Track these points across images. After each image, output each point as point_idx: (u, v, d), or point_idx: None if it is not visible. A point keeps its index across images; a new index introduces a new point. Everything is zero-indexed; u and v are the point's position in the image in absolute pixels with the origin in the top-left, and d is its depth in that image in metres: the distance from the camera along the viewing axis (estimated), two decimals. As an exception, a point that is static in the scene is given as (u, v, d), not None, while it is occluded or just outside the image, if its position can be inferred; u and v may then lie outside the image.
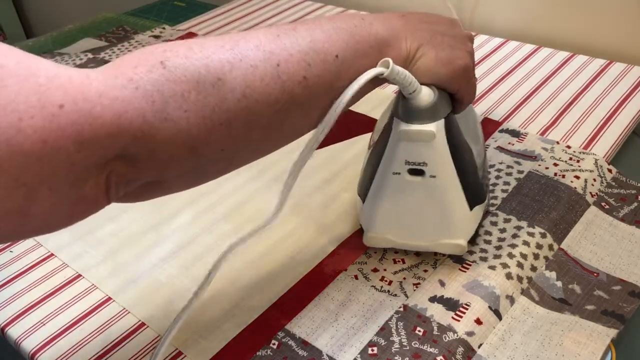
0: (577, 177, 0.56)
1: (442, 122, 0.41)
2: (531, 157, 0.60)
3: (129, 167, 0.31)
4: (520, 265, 0.48)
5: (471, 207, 0.46)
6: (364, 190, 0.47)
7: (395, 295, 0.47)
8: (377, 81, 0.39)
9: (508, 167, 0.59)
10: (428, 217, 0.45)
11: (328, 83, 0.37)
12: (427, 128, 0.41)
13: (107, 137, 0.29)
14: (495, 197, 0.55)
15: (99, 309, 0.49)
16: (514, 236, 0.50)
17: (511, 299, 0.46)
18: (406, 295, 0.47)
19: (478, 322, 0.44)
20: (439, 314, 0.45)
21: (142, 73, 0.30)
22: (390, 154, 0.43)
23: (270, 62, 0.34)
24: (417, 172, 0.43)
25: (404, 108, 0.41)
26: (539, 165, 0.58)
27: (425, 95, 0.41)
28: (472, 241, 0.50)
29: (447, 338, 0.43)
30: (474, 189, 0.46)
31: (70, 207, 0.30)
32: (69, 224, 0.31)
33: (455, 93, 0.43)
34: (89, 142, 0.28)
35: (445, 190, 0.44)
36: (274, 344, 0.44)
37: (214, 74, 0.32)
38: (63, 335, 0.46)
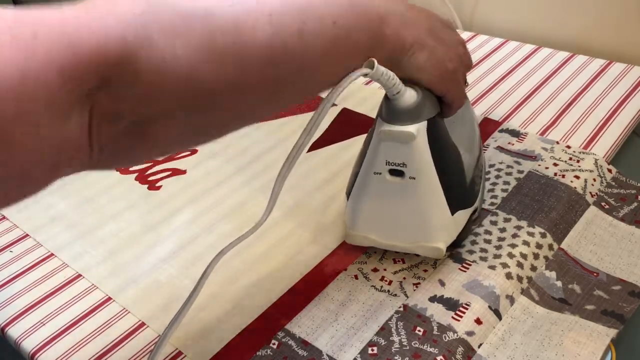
0: (577, 177, 0.56)
1: (424, 124, 0.41)
2: (531, 157, 0.60)
3: (111, 99, 0.30)
4: (520, 265, 0.48)
5: (453, 212, 0.45)
6: (349, 189, 0.48)
7: (395, 295, 0.47)
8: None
9: (508, 167, 0.59)
10: (407, 218, 0.45)
11: (323, 49, 0.35)
12: (406, 129, 0.41)
13: (88, 66, 0.27)
14: (495, 197, 0.55)
15: (99, 309, 0.49)
16: (514, 236, 0.50)
17: (511, 299, 0.46)
18: (406, 295, 0.47)
19: (478, 321, 0.44)
20: (439, 313, 0.45)
21: (125, 5, 0.29)
22: (373, 154, 0.44)
23: (262, 12, 0.33)
24: (397, 172, 0.43)
25: (387, 109, 0.42)
26: (539, 165, 0.58)
27: (409, 96, 0.41)
28: (457, 245, 0.49)
29: (447, 338, 0.43)
30: (458, 193, 0.46)
31: (54, 151, 0.28)
32: (53, 178, 0.29)
33: (444, 96, 0.43)
34: (70, 73, 0.27)
35: (425, 193, 0.44)
36: (274, 344, 0.44)
37: (202, 10, 0.31)
38: (63, 335, 0.47)
